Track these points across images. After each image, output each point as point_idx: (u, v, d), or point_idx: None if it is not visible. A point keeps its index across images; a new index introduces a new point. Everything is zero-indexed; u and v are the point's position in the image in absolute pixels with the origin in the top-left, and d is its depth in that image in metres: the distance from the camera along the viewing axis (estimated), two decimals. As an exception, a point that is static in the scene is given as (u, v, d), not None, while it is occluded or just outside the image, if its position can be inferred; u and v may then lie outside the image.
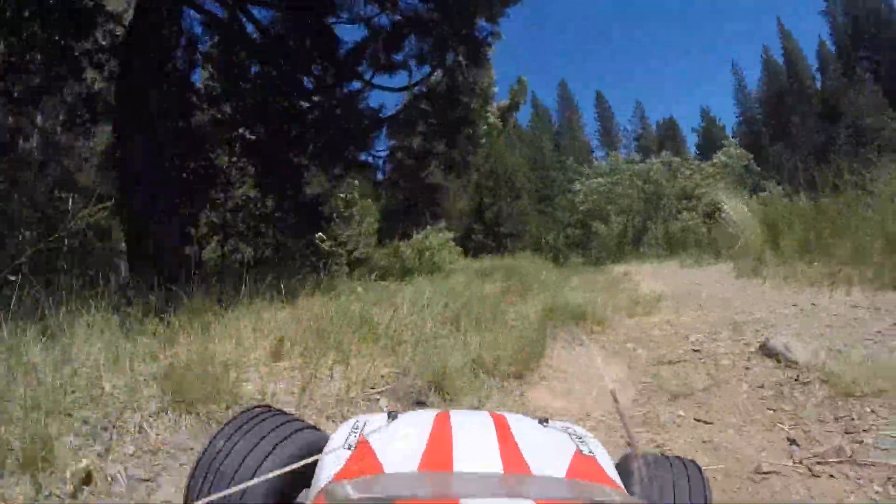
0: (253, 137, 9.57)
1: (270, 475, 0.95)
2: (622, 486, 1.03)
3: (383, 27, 9.10)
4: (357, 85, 9.67)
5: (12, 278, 3.34)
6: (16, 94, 8.66)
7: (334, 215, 11.41)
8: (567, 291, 7.87)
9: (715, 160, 19.43)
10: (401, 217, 10.71)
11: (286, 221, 9.87)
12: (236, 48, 9.21)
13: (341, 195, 11.93)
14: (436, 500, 0.82)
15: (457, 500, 0.78)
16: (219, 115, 9.38)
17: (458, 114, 9.82)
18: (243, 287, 4.37)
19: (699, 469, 1.40)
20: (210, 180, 9.26)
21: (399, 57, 9.22)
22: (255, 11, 9.01)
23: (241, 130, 9.52)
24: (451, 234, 16.06)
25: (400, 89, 9.74)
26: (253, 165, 9.62)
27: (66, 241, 5.50)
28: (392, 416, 1.25)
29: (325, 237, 10.56)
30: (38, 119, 11.31)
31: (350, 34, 13.38)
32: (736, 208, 9.97)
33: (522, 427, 1.17)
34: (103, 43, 8.24)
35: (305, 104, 9.67)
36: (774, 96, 55.84)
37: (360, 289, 5.50)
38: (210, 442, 1.32)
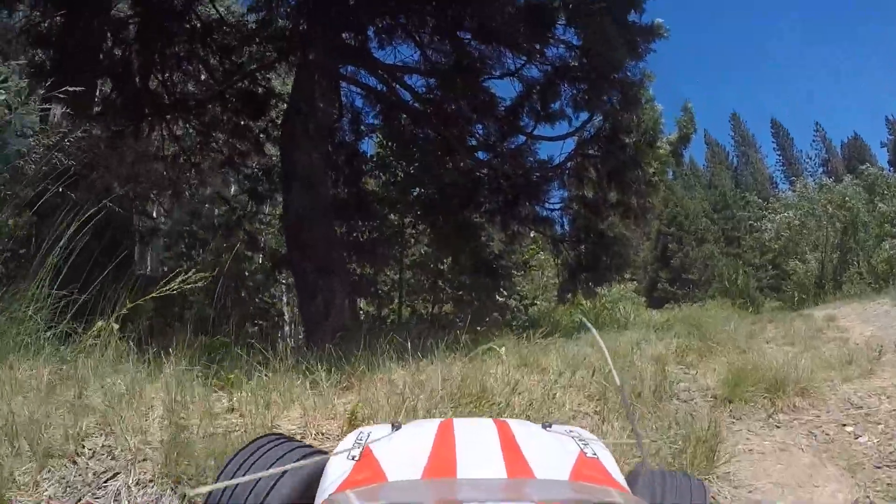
0: (423, 199, 10.00)
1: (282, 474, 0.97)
2: (628, 489, 1.02)
3: (536, 79, 9.23)
4: (521, 139, 9.80)
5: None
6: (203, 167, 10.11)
7: (513, 271, 11.45)
8: (759, 345, 6.61)
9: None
10: (582, 272, 10.28)
11: (462, 279, 10.04)
12: (396, 115, 9.85)
13: (521, 249, 11.94)
14: None
15: None
16: (387, 178, 9.94)
17: (623, 156, 9.53)
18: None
19: (704, 488, 1.33)
20: (384, 240, 9.74)
21: (555, 106, 9.22)
22: (410, 79, 9.56)
23: (414, 192, 9.94)
24: (632, 286, 15.38)
25: (561, 137, 9.67)
26: (428, 225, 9.96)
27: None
28: (395, 426, 1.24)
29: (505, 292, 10.55)
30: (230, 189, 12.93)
31: (505, 91, 13.60)
32: None
33: (526, 432, 1.15)
34: (277, 120, 9.26)
35: (471, 162, 9.94)
36: None
37: (503, 348, 5.06)
38: (222, 470, 1.30)
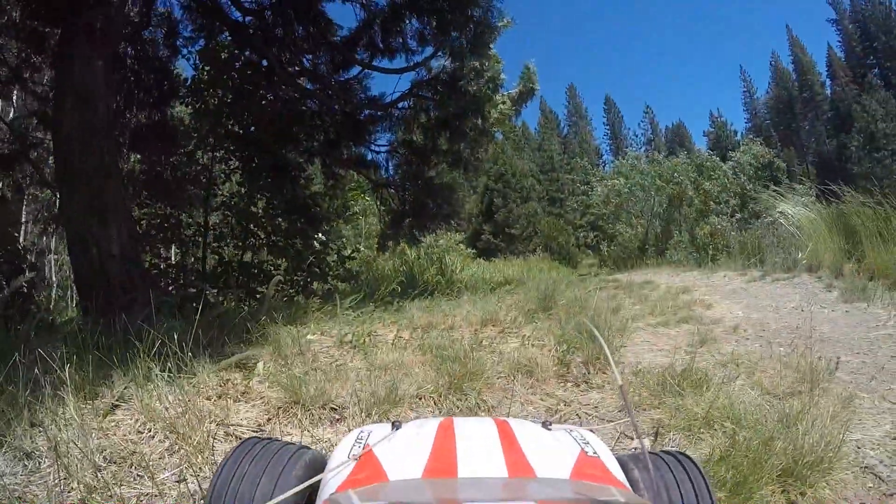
0: (240, 131, 8.63)
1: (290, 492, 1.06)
2: (628, 486, 1.06)
3: (381, 8, 8.17)
4: (355, 71, 8.74)
5: None
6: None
7: (334, 217, 10.46)
8: (630, 327, 5.09)
9: (735, 158, 18.58)
10: (405, 218, 9.59)
11: (278, 223, 8.97)
12: (218, 33, 8.31)
13: (343, 192, 10.94)
14: None
15: None
16: (199, 107, 8.52)
17: (463, 102, 8.73)
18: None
19: (694, 462, 1.34)
20: (193, 178, 8.39)
21: (398, 41, 8.27)
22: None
23: (228, 124, 8.61)
24: (459, 237, 15.12)
25: (399, 70, 8.66)
26: (240, 161, 8.74)
27: None
28: (396, 425, 1.27)
29: (323, 239, 9.59)
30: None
31: (345, 18, 12.39)
32: (800, 213, 8.88)
33: (526, 431, 1.17)
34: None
35: (295, 93, 8.75)
36: (783, 103, 56.68)
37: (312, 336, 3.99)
38: (219, 472, 1.32)
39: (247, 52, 8.41)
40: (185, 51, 8.50)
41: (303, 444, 1.54)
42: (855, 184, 7.95)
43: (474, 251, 28.80)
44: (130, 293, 5.02)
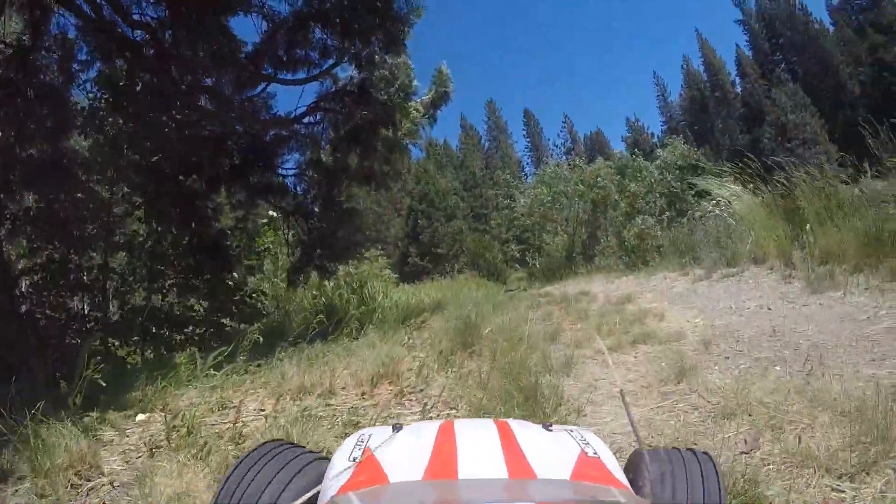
0: (143, 162, 7.91)
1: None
2: (629, 487, 1.03)
3: (286, 18, 7.55)
4: (260, 88, 8.14)
5: None
6: None
7: (244, 252, 9.57)
8: (576, 359, 4.43)
9: (660, 158, 18.83)
10: (315, 248, 8.91)
11: (189, 262, 8.28)
12: (117, 56, 7.48)
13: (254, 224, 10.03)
14: None
15: None
16: (97, 139, 7.81)
17: (373, 112, 8.13)
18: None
19: (712, 461, 1.32)
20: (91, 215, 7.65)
21: (303, 53, 7.68)
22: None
23: (129, 154, 7.91)
24: (383, 262, 14.55)
25: (304, 81, 8.02)
26: (143, 195, 8.05)
27: None
28: (396, 427, 1.24)
29: (237, 276, 8.91)
30: None
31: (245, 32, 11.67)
32: (742, 199, 8.52)
33: (526, 432, 1.16)
34: None
35: (197, 118, 8.10)
36: (696, 104, 59.17)
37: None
38: (228, 476, 1.31)
39: (146, 76, 7.73)
40: (82, 77, 7.76)
41: (322, 453, 1.50)
42: (770, 174, 7.79)
43: (398, 275, 28.44)
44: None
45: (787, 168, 7.53)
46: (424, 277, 27.97)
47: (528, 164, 74.82)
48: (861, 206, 6.43)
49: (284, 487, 1.27)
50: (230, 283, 8.45)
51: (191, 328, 7.98)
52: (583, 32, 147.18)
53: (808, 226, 6.53)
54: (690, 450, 1.39)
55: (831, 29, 53.42)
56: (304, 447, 1.52)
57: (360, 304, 9.30)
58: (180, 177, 7.98)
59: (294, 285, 9.49)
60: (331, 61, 7.82)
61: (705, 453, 1.36)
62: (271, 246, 10.69)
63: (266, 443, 1.46)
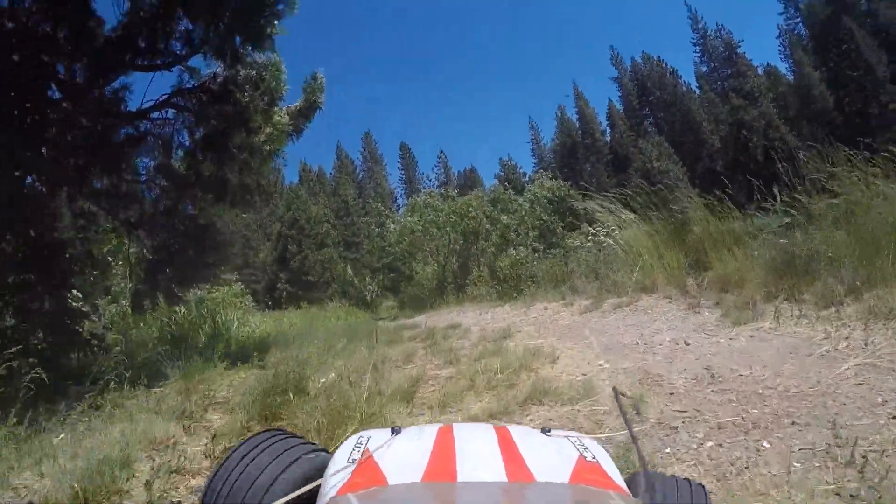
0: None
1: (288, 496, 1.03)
2: (628, 492, 1.01)
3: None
4: (119, 82, 7.23)
5: None
6: None
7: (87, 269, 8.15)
8: None
9: (532, 191, 19.30)
10: (162, 269, 7.88)
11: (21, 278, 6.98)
12: None
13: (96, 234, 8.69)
14: None
15: None
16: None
17: (228, 113, 7.39)
18: None
19: (704, 492, 1.32)
20: None
21: (163, 45, 6.96)
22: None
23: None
24: (236, 288, 13.55)
25: (158, 67, 7.25)
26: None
27: None
28: (395, 430, 1.22)
29: (79, 295, 7.58)
30: None
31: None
32: (630, 228, 8.55)
33: (525, 437, 1.16)
34: None
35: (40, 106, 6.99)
36: (567, 149, 63.17)
37: None
38: (223, 462, 1.34)
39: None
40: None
41: (317, 445, 1.46)
42: (665, 204, 8.07)
43: (269, 302, 27.29)
44: None
45: (682, 199, 7.73)
46: (293, 305, 27.10)
47: (401, 195, 75.82)
48: (758, 235, 6.59)
49: (277, 477, 1.27)
50: (71, 301, 7.17)
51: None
52: (466, 73, 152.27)
53: (707, 253, 6.60)
54: (686, 480, 1.38)
55: (698, 92, 58.79)
56: (301, 437, 1.52)
57: (217, 333, 8.49)
58: (14, 174, 6.80)
59: (138, 309, 8.41)
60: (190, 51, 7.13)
61: (699, 484, 1.37)
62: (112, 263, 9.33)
63: (261, 432, 1.47)
